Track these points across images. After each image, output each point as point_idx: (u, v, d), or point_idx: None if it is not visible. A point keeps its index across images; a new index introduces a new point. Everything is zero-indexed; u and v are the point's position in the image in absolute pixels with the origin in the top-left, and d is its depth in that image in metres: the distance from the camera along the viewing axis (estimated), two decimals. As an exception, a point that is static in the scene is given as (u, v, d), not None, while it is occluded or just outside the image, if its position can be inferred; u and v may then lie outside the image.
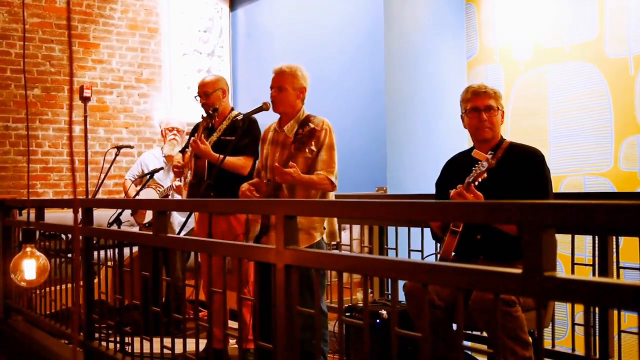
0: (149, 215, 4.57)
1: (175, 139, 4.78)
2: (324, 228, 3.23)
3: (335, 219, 3.36)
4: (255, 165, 3.79)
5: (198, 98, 3.94)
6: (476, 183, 2.64)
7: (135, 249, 3.98)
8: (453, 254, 2.84)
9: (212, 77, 4.03)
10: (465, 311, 2.48)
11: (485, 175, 2.65)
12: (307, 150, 3.05)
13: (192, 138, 3.83)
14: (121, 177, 5.82)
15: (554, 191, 2.85)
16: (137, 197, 4.48)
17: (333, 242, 3.51)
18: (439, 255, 3.22)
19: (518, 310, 2.48)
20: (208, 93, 3.87)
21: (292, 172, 3.03)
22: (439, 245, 3.32)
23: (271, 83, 3.32)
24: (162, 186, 4.56)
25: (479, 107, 2.86)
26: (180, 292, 4.06)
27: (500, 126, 2.90)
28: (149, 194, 4.54)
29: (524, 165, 2.76)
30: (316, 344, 2.09)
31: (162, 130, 4.96)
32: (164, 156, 4.82)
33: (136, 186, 4.84)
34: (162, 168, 4.55)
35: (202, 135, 3.78)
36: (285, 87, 3.25)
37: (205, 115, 3.87)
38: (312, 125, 3.05)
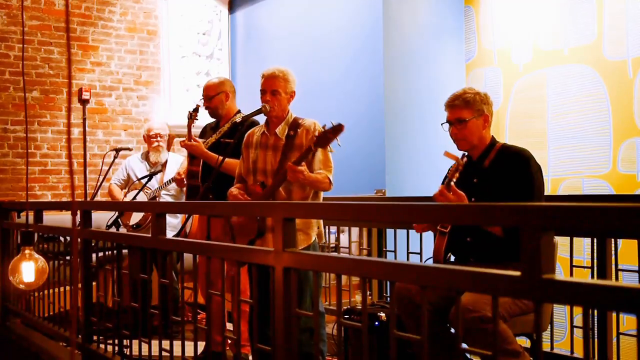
0: (135, 217, 4.57)
1: (160, 145, 4.75)
2: (318, 228, 3.25)
3: (322, 221, 3.37)
4: None
5: (202, 101, 3.93)
6: (453, 181, 2.68)
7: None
8: (450, 255, 2.86)
9: (216, 80, 3.97)
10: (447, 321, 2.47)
11: (457, 175, 2.68)
12: (298, 146, 3.09)
13: (182, 140, 3.82)
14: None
15: (554, 193, 2.86)
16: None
17: (321, 243, 3.54)
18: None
19: (497, 324, 2.46)
20: (210, 96, 3.84)
21: (303, 171, 3.03)
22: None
23: (263, 86, 3.28)
24: (150, 188, 4.56)
25: (449, 120, 2.88)
26: (176, 294, 4.06)
27: (480, 132, 2.86)
28: (138, 197, 4.54)
29: (510, 167, 2.77)
30: (315, 345, 2.09)
31: (144, 137, 4.92)
32: (151, 162, 4.78)
33: (122, 190, 4.82)
34: (160, 171, 4.55)
35: (192, 134, 3.78)
36: (279, 91, 3.25)
37: (192, 111, 3.86)
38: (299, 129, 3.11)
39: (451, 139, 2.92)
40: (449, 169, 2.76)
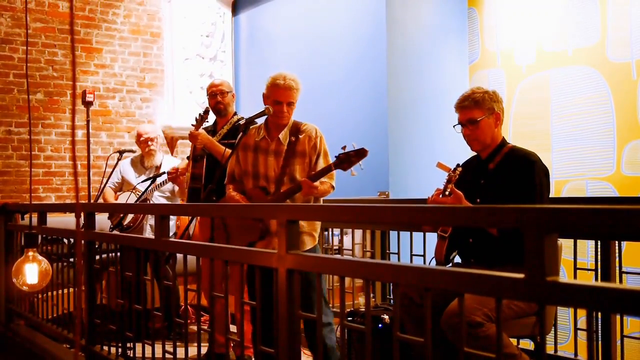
0: (126, 219, 4.57)
1: (151, 149, 4.72)
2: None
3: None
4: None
5: (210, 97, 3.99)
6: (446, 193, 2.74)
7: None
8: (455, 255, 2.87)
9: (224, 80, 4.17)
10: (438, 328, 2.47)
11: (451, 186, 2.73)
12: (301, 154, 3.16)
13: (190, 131, 3.87)
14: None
15: (558, 195, 2.86)
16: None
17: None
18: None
19: (487, 329, 2.43)
20: (225, 92, 3.98)
21: (318, 187, 3.10)
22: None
23: (279, 97, 3.22)
24: (140, 190, 4.52)
25: (460, 121, 2.87)
26: (176, 296, 4.06)
27: (493, 131, 2.84)
28: (129, 198, 4.53)
29: (515, 170, 2.75)
30: (318, 346, 2.09)
31: (136, 142, 4.90)
32: (145, 166, 4.77)
33: (115, 193, 4.81)
34: (163, 172, 4.54)
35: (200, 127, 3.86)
36: (293, 102, 3.27)
37: (202, 113, 3.90)
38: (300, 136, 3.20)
39: (464, 141, 2.91)
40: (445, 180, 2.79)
